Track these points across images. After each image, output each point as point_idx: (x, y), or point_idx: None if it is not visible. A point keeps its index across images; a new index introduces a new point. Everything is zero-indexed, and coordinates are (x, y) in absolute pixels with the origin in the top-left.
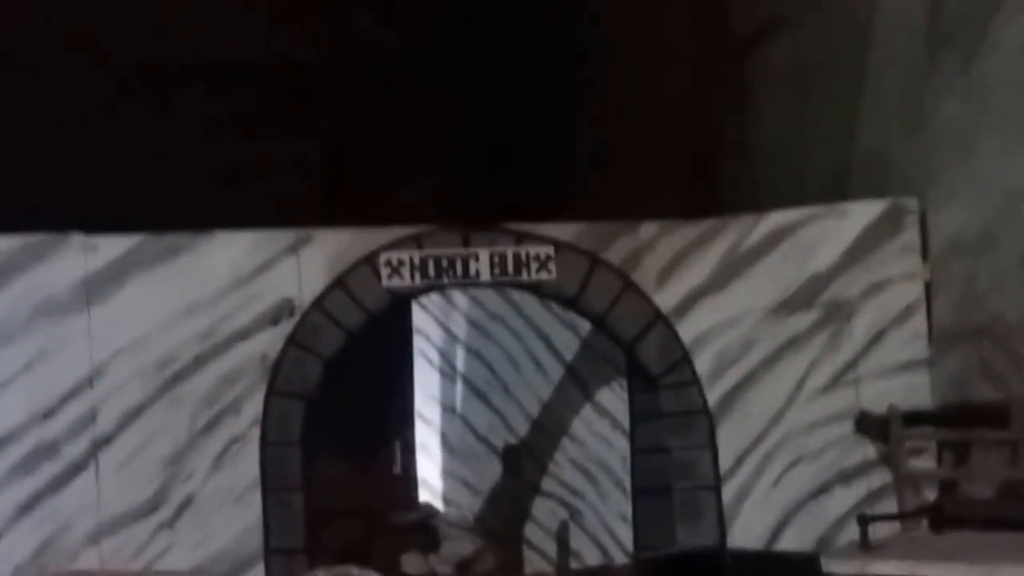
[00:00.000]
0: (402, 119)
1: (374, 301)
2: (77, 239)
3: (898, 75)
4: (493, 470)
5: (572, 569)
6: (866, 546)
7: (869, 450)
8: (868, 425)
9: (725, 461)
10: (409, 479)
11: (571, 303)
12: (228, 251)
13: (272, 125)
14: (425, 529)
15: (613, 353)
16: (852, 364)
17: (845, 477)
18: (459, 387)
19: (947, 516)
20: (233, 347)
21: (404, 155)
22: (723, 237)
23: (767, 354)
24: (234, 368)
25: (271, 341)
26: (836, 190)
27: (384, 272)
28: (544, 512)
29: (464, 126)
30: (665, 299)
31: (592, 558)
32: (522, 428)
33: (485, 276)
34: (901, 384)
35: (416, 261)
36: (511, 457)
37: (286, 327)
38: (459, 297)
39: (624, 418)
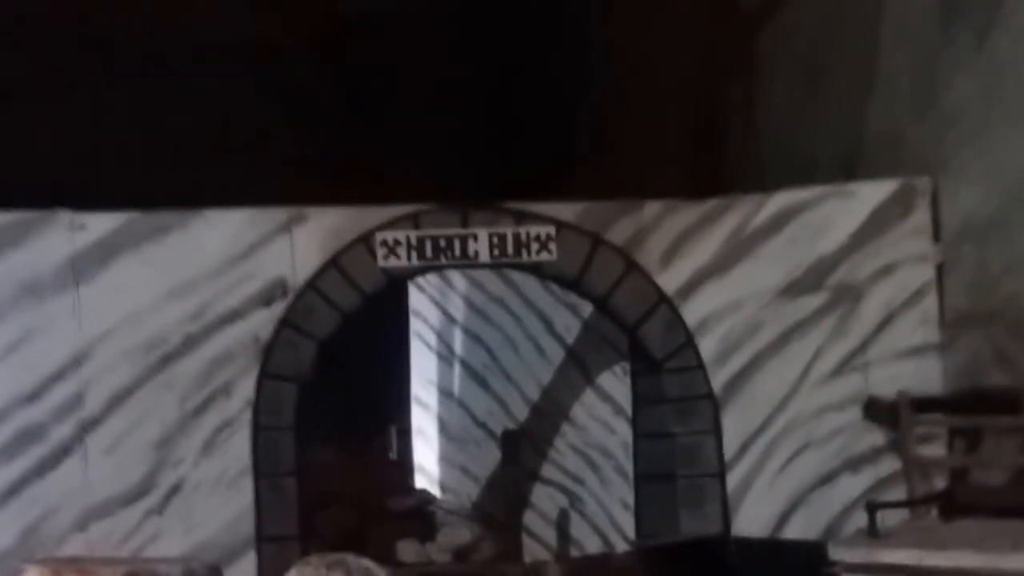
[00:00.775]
0: (399, 94)
1: (370, 282)
2: (64, 216)
3: (910, 51)
4: (491, 456)
5: (572, 557)
6: (874, 534)
7: (878, 437)
8: (877, 411)
9: (730, 447)
10: (405, 465)
11: (572, 284)
12: (219, 230)
13: (264, 101)
14: (421, 516)
15: (615, 336)
16: (861, 348)
17: (853, 464)
18: (457, 371)
19: (958, 504)
20: (224, 328)
21: (401, 131)
22: (729, 217)
23: (773, 338)
24: (225, 350)
25: (263, 322)
26: (845, 169)
27: (380, 252)
28: (544, 499)
29: (463, 102)
30: (669, 281)
31: (593, 546)
32: (521, 413)
33: (484, 257)
34: (911, 369)
35: (413, 241)
36: (510, 443)
37: (279, 308)
38: (457, 278)
39: (626, 403)
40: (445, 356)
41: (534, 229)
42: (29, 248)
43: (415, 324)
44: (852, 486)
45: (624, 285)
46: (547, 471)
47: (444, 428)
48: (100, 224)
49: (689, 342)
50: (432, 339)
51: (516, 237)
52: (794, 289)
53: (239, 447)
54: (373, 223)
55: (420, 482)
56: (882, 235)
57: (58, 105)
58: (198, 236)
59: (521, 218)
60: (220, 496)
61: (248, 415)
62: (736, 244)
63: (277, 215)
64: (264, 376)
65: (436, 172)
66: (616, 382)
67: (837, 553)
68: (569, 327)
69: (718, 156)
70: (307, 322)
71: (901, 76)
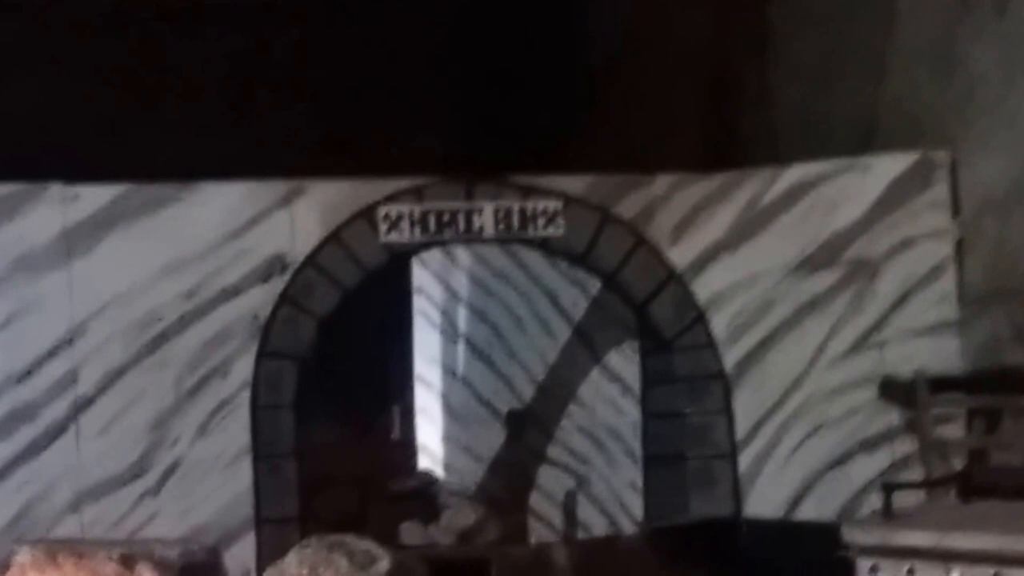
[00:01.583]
0: (402, 63)
1: (371, 257)
2: (56, 189)
3: (929, 19)
4: (496, 436)
5: (579, 540)
6: (890, 515)
7: (894, 417)
8: (893, 391)
9: (741, 428)
10: (408, 445)
11: (580, 260)
12: (217, 203)
13: (264, 70)
14: (424, 498)
15: (624, 313)
16: (877, 326)
17: (868, 445)
18: (461, 349)
19: (976, 485)
20: (222, 305)
21: (404, 102)
22: (741, 191)
23: (787, 315)
24: (223, 328)
25: (262, 299)
26: (861, 142)
27: (382, 226)
28: (550, 480)
29: (468, 72)
30: (679, 256)
31: (600, 529)
32: (527, 392)
33: (489, 231)
34: (928, 347)
35: (416, 215)
36: (515, 423)
37: (278, 284)
38: (462, 253)
39: (635, 382)
40: (449, 334)
41: (541, 203)
42: (20, 222)
43: (418, 301)
44: (867, 468)
45: (633, 261)
46: (553, 452)
47: (448, 407)
48: (93, 197)
49: (700, 320)
50: (435, 316)
51: (522, 211)
52: (808, 265)
53: (237, 427)
54: (375, 196)
55: (423, 463)
56: (899, 209)
57: (49, 74)
58: (194, 210)
59: (527, 192)
60: (218, 477)
61: (246, 394)
62: (749, 219)
63: (276, 188)
64: (263, 354)
65: (440, 144)
66: (624, 361)
67: (851, 535)
68: (576, 304)
69: (731, 128)
70: (307, 299)
71: (920, 45)
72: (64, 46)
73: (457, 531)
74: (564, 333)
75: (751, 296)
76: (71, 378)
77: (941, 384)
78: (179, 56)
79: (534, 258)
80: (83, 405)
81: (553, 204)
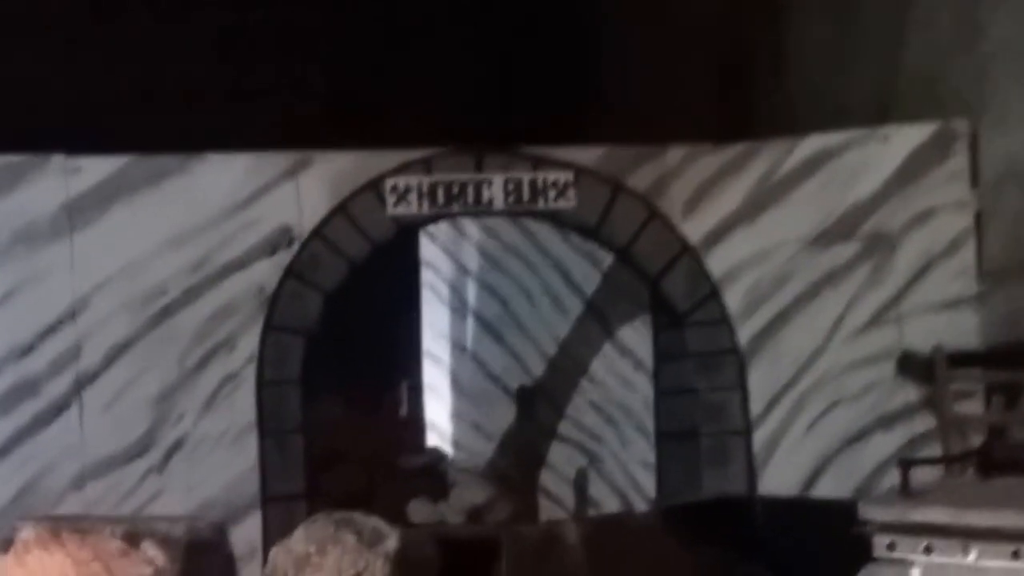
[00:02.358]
0: (410, 32)
1: (379, 230)
2: (58, 160)
3: None
4: (506, 413)
5: (590, 517)
6: (908, 492)
7: (912, 393)
8: (911, 366)
9: (756, 404)
10: (416, 422)
11: (591, 233)
12: (222, 175)
13: (270, 39)
14: (433, 475)
15: (636, 288)
16: (895, 300)
17: (885, 422)
18: (470, 324)
19: (995, 461)
20: (227, 279)
21: (412, 71)
22: (756, 163)
23: (803, 289)
24: (228, 301)
25: (268, 272)
26: (879, 112)
27: (390, 199)
28: (561, 458)
29: (478, 40)
30: (693, 230)
31: (612, 507)
32: (538, 368)
33: (499, 204)
34: (947, 322)
35: (424, 187)
36: (526, 399)
37: (284, 257)
38: (471, 226)
39: (648, 358)
40: (458, 308)
41: (551, 175)
42: (21, 194)
43: (426, 275)
44: (884, 444)
45: (646, 234)
46: (564, 429)
47: (457, 384)
48: (96, 168)
49: (714, 294)
50: (444, 290)
51: (533, 183)
52: (825, 238)
53: (243, 403)
54: (383, 168)
55: (432, 440)
56: (918, 181)
57: (51, 43)
58: (199, 181)
59: (538, 163)
60: (223, 454)
61: (252, 369)
62: (764, 191)
63: (282, 160)
64: (269, 329)
65: (449, 114)
66: (637, 336)
67: (868, 512)
68: (588, 278)
69: (745, 98)
70: (313, 272)
71: (939, 12)
72: (66, 15)
73: (466, 509)
74: (575, 308)
75: (766, 270)
76: (74, 353)
77: (960, 359)
78: (183, 25)
79: (545, 231)
80: (86, 380)
81: (564, 176)
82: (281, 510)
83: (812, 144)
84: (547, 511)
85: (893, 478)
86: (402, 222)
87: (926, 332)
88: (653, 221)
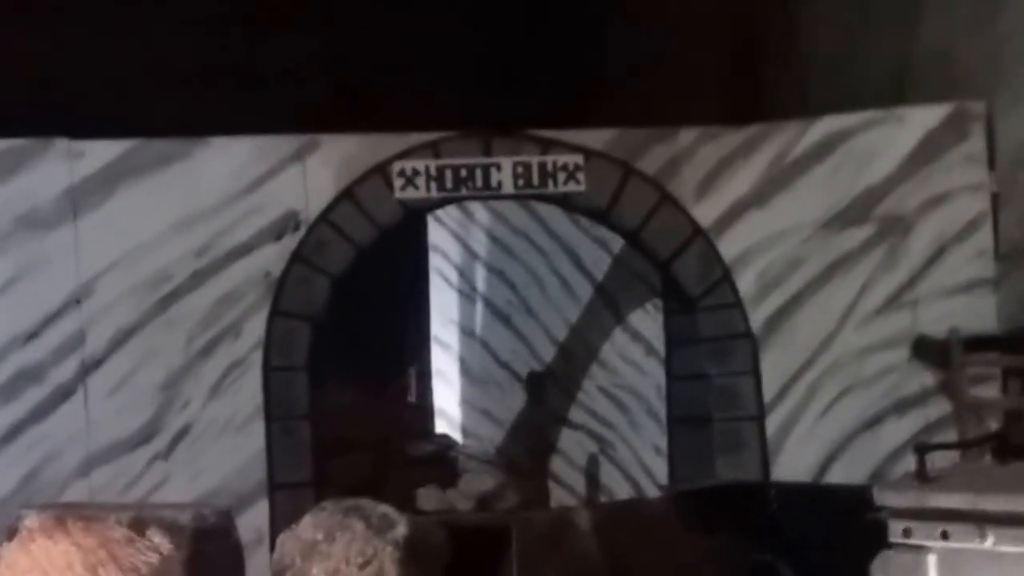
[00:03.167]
0: (418, 14)
1: (386, 214)
2: (62, 145)
3: None
4: (516, 399)
5: (601, 504)
6: (924, 477)
7: (927, 378)
8: (926, 350)
9: (769, 389)
10: (425, 408)
11: (602, 217)
12: (227, 159)
13: (276, 22)
14: (442, 462)
15: (647, 272)
16: (910, 284)
17: (900, 407)
18: (479, 309)
19: (1013, 446)
20: (233, 264)
21: (420, 54)
22: (769, 145)
23: (816, 273)
24: (234, 287)
25: (274, 257)
26: (894, 93)
27: (397, 183)
28: (572, 444)
29: (486, 23)
30: (705, 213)
31: (623, 494)
32: (548, 353)
33: (508, 187)
34: (963, 305)
35: (432, 171)
36: (536, 385)
37: (291, 242)
38: (479, 210)
39: (659, 342)
40: (466, 293)
41: (561, 158)
42: (24, 178)
43: (435, 259)
44: (899, 430)
45: (657, 217)
46: (575, 415)
47: (466, 369)
48: (100, 153)
49: (726, 278)
50: (453, 275)
51: (542, 166)
52: (839, 221)
53: (249, 389)
54: (390, 152)
55: (441, 426)
56: (933, 163)
57: (54, 27)
58: (204, 166)
59: (547, 146)
60: (230, 440)
61: (259, 355)
62: (777, 173)
63: (288, 143)
64: (275, 314)
65: (457, 97)
66: (648, 320)
67: (884, 497)
68: (598, 262)
69: (758, 79)
70: (320, 257)
71: None
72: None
73: (476, 496)
74: (586, 292)
75: (779, 253)
76: (79, 339)
77: (976, 343)
78: (188, 8)
79: (554, 215)
80: (91, 366)
81: (574, 159)
82: (288, 497)
83: (826, 126)
84: (558, 498)
85: (908, 464)
86: (410, 206)
87: (941, 316)
88: (664, 204)
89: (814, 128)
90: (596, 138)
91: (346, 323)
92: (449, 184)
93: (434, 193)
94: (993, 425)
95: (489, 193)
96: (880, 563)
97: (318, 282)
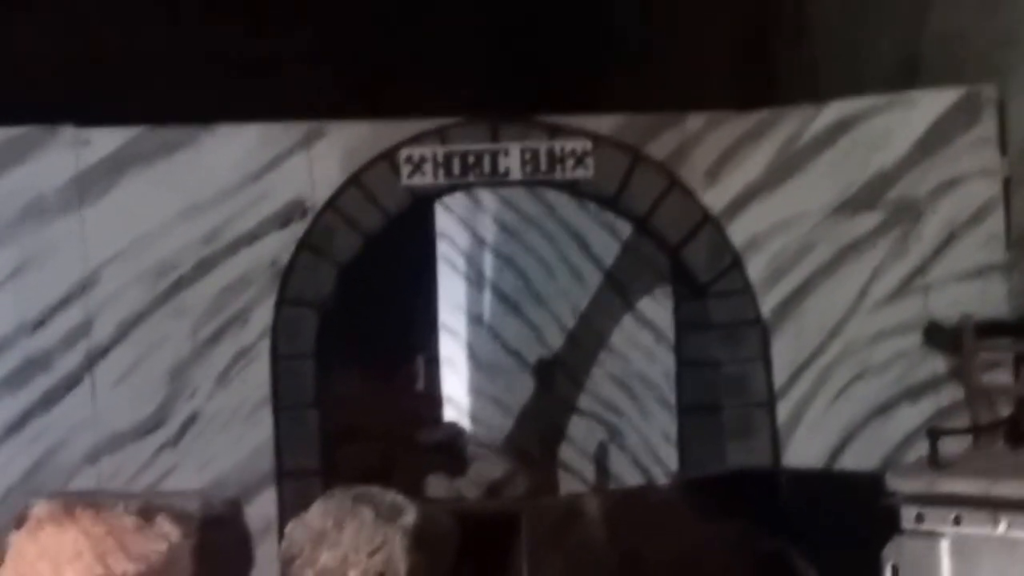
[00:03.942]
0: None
1: (394, 201)
2: (67, 132)
3: None
4: (525, 386)
5: (611, 491)
6: (936, 463)
7: (939, 364)
8: (938, 336)
9: (780, 376)
10: (433, 396)
11: (610, 203)
12: (233, 146)
13: (281, 8)
14: (451, 450)
15: (657, 258)
16: (921, 269)
17: (912, 393)
18: (487, 296)
19: None
20: (239, 252)
21: (426, 39)
22: (779, 130)
23: (827, 259)
24: (241, 275)
25: (281, 245)
26: (904, 77)
27: (404, 169)
28: (581, 432)
29: (493, 7)
30: (714, 198)
31: (633, 481)
32: (556, 341)
33: (516, 174)
34: (975, 291)
35: (440, 157)
36: (544, 372)
37: (297, 230)
38: (487, 197)
39: (669, 329)
40: (474, 280)
41: (569, 144)
42: (30, 166)
43: (442, 246)
44: (911, 416)
45: (666, 203)
46: (584, 402)
47: (474, 357)
48: (106, 140)
49: (736, 264)
50: (460, 262)
51: (550, 152)
52: (849, 206)
53: (257, 377)
54: (397, 138)
55: (449, 414)
56: (944, 147)
57: (59, 14)
58: (210, 153)
59: (555, 132)
60: (237, 429)
61: (266, 343)
62: (787, 158)
63: (294, 130)
64: (282, 302)
65: (464, 83)
66: (657, 307)
67: (896, 483)
68: (607, 248)
69: (767, 63)
70: (327, 245)
71: None
72: None
73: (485, 484)
74: (595, 279)
75: (789, 239)
76: (85, 327)
77: (988, 329)
78: None
79: (562, 201)
80: (98, 355)
81: (582, 145)
82: (296, 486)
83: (836, 110)
84: (567, 485)
85: (919, 450)
86: (417, 193)
87: (953, 301)
88: (673, 190)
89: (824, 113)
90: (604, 124)
91: (353, 311)
92: (456, 170)
93: (441, 180)
94: (1005, 411)
95: (497, 179)
96: (892, 549)
97: (325, 270)
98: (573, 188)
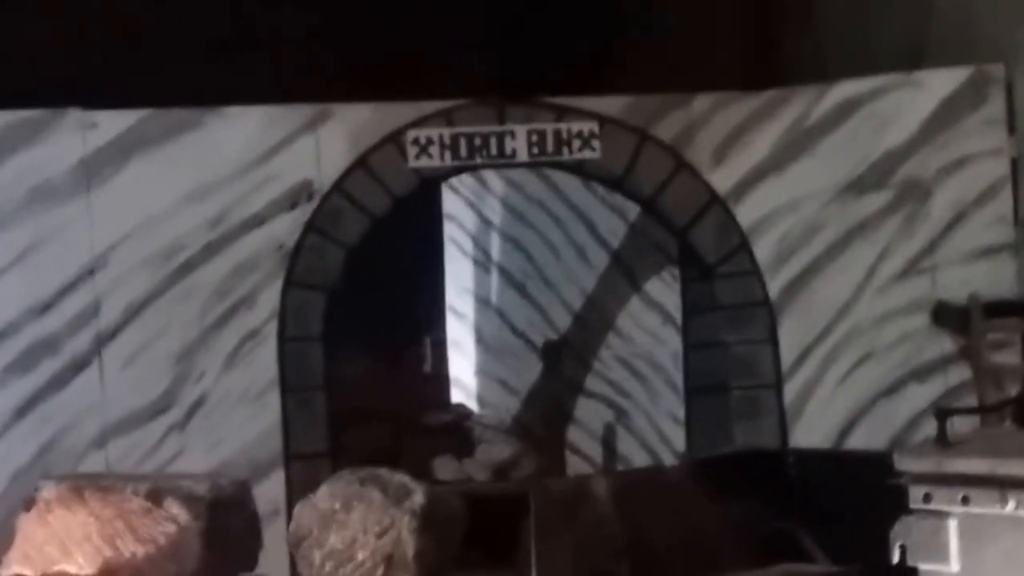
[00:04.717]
0: None
1: (400, 183)
2: (75, 115)
3: None
4: (532, 368)
5: (619, 471)
6: (944, 442)
7: (947, 344)
8: (946, 316)
9: (787, 357)
10: (440, 378)
11: (617, 184)
12: (240, 128)
13: None
14: (458, 432)
15: (664, 240)
16: (929, 249)
17: (920, 373)
18: (494, 278)
19: None
20: (247, 234)
21: (433, 21)
22: (786, 110)
23: (834, 239)
24: (248, 257)
25: (288, 227)
26: (912, 57)
27: (411, 151)
28: (588, 414)
29: None
30: (721, 180)
31: (640, 463)
32: (563, 322)
33: (522, 155)
34: (983, 271)
35: (446, 139)
36: (552, 354)
37: (304, 212)
38: (494, 179)
39: (676, 311)
40: (481, 262)
41: (576, 125)
42: (38, 149)
43: (449, 228)
44: (919, 396)
45: (673, 185)
46: (591, 384)
47: (481, 339)
48: (113, 123)
49: (743, 245)
50: (467, 244)
51: (556, 134)
52: (857, 187)
53: (264, 360)
54: (404, 120)
55: (456, 396)
56: (952, 127)
57: None
58: (217, 135)
59: (562, 113)
60: (245, 411)
61: (273, 326)
62: (794, 139)
63: (301, 112)
64: (289, 285)
65: (471, 64)
66: (665, 288)
67: (904, 463)
68: (614, 230)
69: (774, 43)
70: (334, 227)
71: None
72: None
73: (492, 466)
74: (602, 260)
75: (797, 220)
76: (93, 310)
77: (996, 309)
78: None
79: (569, 182)
80: (106, 338)
81: (589, 126)
82: (304, 468)
83: (843, 90)
84: (574, 467)
85: (927, 430)
86: (424, 175)
87: (961, 281)
88: (680, 171)
89: (831, 93)
90: (611, 105)
91: (361, 293)
92: (463, 152)
93: (448, 161)
94: (1013, 390)
95: (503, 161)
96: (900, 529)
97: (332, 252)
98: (580, 169)
